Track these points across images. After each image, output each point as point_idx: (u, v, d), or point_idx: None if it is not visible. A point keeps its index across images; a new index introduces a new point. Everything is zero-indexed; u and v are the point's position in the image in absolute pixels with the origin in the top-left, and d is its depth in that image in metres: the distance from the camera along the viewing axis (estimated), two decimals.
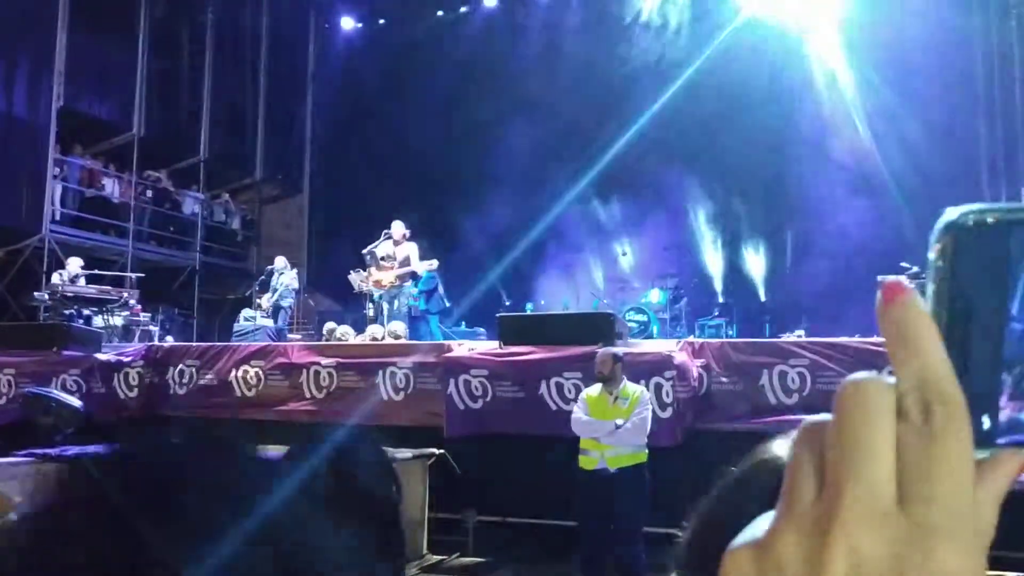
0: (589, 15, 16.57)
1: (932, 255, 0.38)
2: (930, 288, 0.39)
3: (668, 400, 7.77)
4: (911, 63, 13.22)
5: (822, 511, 0.36)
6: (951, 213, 0.38)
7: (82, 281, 12.74)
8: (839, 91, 14.41)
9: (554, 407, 8.19)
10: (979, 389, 0.37)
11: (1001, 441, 0.37)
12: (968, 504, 0.35)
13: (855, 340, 8.43)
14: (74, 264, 12.80)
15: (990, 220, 0.38)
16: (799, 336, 10.18)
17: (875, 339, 8.66)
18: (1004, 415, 0.38)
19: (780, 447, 1.14)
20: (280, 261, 13.89)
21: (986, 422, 0.37)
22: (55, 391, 9.11)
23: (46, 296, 12.44)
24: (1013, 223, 0.38)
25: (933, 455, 0.35)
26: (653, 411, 6.87)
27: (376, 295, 12.04)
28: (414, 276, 11.96)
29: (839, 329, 10.01)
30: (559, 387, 8.22)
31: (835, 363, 7.86)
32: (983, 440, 0.37)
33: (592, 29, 16.26)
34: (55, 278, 12.55)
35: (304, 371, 9.53)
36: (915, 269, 9.03)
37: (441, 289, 12.60)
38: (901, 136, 13.37)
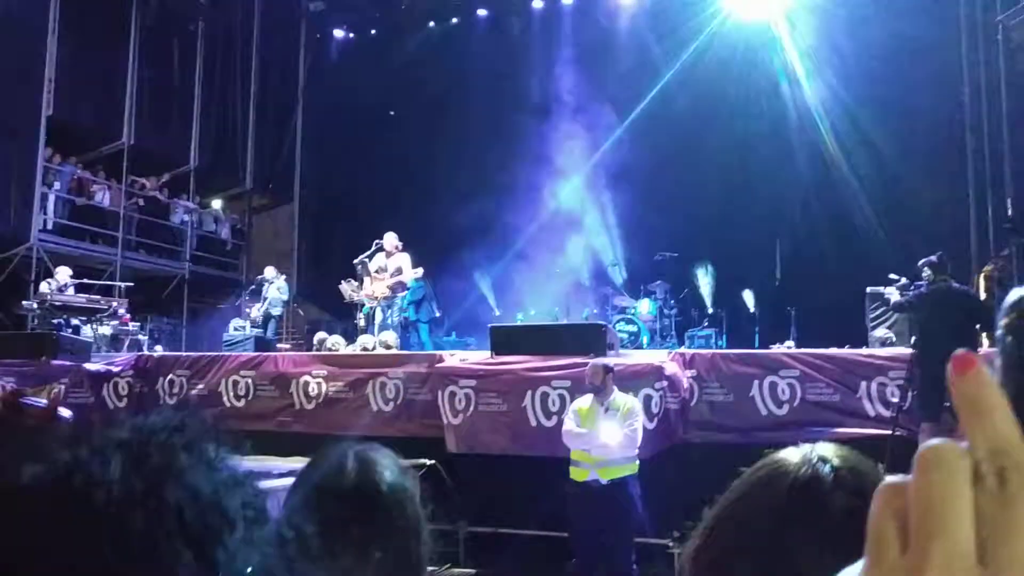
0: (580, 24, 16.63)
1: (1001, 330, 0.41)
2: (998, 361, 0.41)
3: (657, 411, 7.78)
4: (900, 74, 13.32)
5: (911, 565, 0.38)
6: (1019, 291, 0.41)
7: (71, 290, 12.68)
8: (831, 99, 14.51)
9: (534, 423, 8.19)
10: None
11: None
12: None
13: (844, 351, 8.48)
14: (63, 273, 12.74)
15: None
16: (789, 347, 10.22)
17: (863, 350, 8.72)
18: None
19: (791, 455, 1.15)
20: (270, 271, 13.88)
21: None
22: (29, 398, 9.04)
23: (34, 305, 12.38)
24: None
25: (1011, 520, 0.38)
26: (642, 421, 6.88)
27: (367, 307, 12.06)
28: (405, 286, 11.99)
29: (828, 340, 10.05)
30: (544, 398, 8.21)
31: (824, 374, 7.90)
32: None
33: (583, 38, 16.31)
34: (43, 287, 12.49)
35: (294, 381, 9.51)
36: (903, 280, 9.10)
37: (431, 298, 12.62)
38: (891, 146, 13.45)
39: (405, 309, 12.21)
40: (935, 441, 0.40)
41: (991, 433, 0.39)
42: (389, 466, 1.42)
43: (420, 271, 11.88)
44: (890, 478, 0.41)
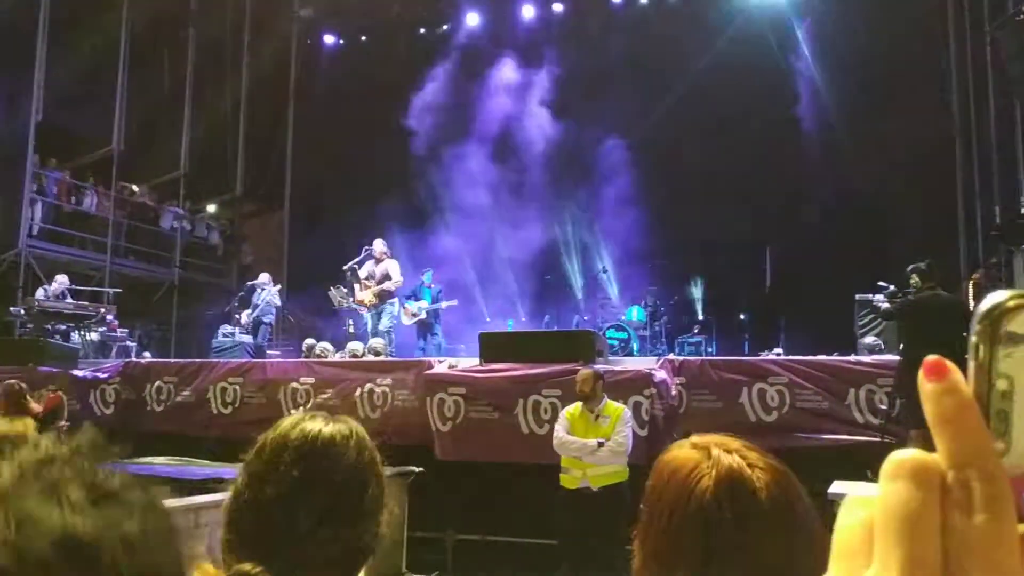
0: (571, 32, 16.66)
1: (974, 337, 0.40)
2: (971, 366, 0.40)
3: (647, 418, 7.78)
4: (889, 83, 13.39)
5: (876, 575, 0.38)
6: (992, 298, 0.40)
7: (68, 297, 12.62)
8: (820, 107, 14.57)
9: (526, 430, 8.18)
10: (1022, 462, 0.39)
11: None
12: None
13: (833, 358, 8.49)
14: (61, 280, 12.66)
15: None
16: (777, 354, 10.23)
17: (851, 358, 8.74)
18: None
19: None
20: (264, 277, 13.83)
21: None
22: None
23: (22, 311, 12.31)
24: None
25: (977, 530, 0.37)
26: (632, 428, 6.86)
27: (354, 315, 12.11)
28: (392, 294, 12.03)
29: (817, 347, 10.08)
30: (536, 406, 8.20)
31: (813, 381, 7.91)
32: None
33: (574, 45, 16.33)
34: (39, 293, 12.42)
35: (282, 388, 9.48)
36: (892, 288, 9.13)
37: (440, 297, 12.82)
38: (880, 153, 13.51)
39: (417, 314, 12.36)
40: (903, 452, 0.39)
41: (959, 442, 0.38)
42: (330, 423, 1.46)
43: (401, 280, 12.01)
44: (857, 489, 0.41)
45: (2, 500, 0.53)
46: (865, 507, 0.40)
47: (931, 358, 0.40)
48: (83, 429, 0.61)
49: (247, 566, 1.23)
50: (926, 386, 0.39)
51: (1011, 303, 0.40)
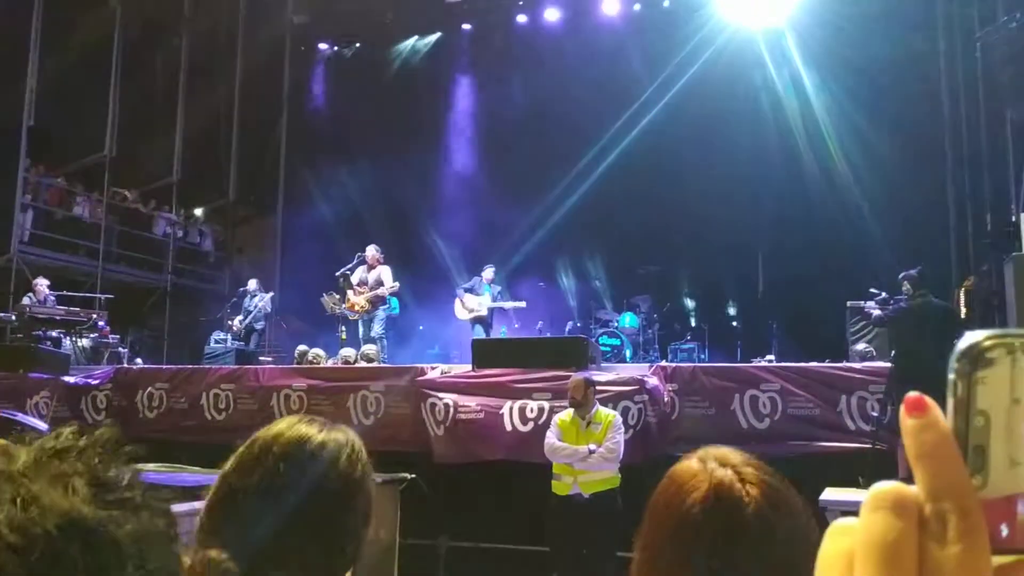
0: (562, 39, 16.69)
1: (951, 375, 0.41)
2: (950, 402, 0.41)
3: (634, 422, 7.78)
4: (879, 90, 13.45)
5: None
6: (970, 337, 0.41)
7: (51, 301, 12.55)
8: (810, 114, 14.63)
9: (509, 427, 8.18)
10: (998, 496, 0.40)
11: None
12: None
13: (825, 365, 8.51)
14: (41, 284, 12.60)
15: (1005, 343, 0.41)
16: (769, 361, 10.26)
17: (843, 364, 8.76)
18: None
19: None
20: (253, 283, 13.81)
21: (1004, 530, 0.40)
22: (20, 414, 8.96)
23: (12, 317, 12.26)
24: None
25: (952, 561, 0.38)
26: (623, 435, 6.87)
27: (345, 321, 12.08)
28: (385, 300, 12.00)
29: (809, 353, 10.10)
30: (523, 408, 8.20)
31: (804, 388, 7.93)
32: (1003, 547, 0.40)
33: (566, 52, 16.36)
34: (25, 299, 12.37)
35: (275, 394, 9.46)
36: (884, 295, 9.15)
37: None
38: (871, 161, 13.57)
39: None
40: (884, 484, 0.41)
41: (937, 477, 0.40)
42: (326, 430, 1.47)
43: (397, 285, 11.95)
44: (839, 520, 0.42)
45: (12, 481, 0.55)
46: (847, 536, 0.41)
47: (912, 395, 0.41)
48: (103, 428, 0.64)
49: (214, 552, 1.23)
50: (907, 422, 0.41)
51: (987, 343, 0.41)
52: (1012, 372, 0.41)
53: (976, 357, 0.41)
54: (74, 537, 0.53)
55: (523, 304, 12.73)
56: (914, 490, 0.40)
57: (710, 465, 1.21)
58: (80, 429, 0.62)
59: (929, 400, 0.41)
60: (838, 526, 0.42)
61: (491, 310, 12.59)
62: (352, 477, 1.41)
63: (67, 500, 0.55)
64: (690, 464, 1.24)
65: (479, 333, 12.32)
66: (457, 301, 12.68)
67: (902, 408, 0.41)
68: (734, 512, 1.15)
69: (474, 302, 12.51)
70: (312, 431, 1.44)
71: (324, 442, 1.42)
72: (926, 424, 0.40)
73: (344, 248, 13.08)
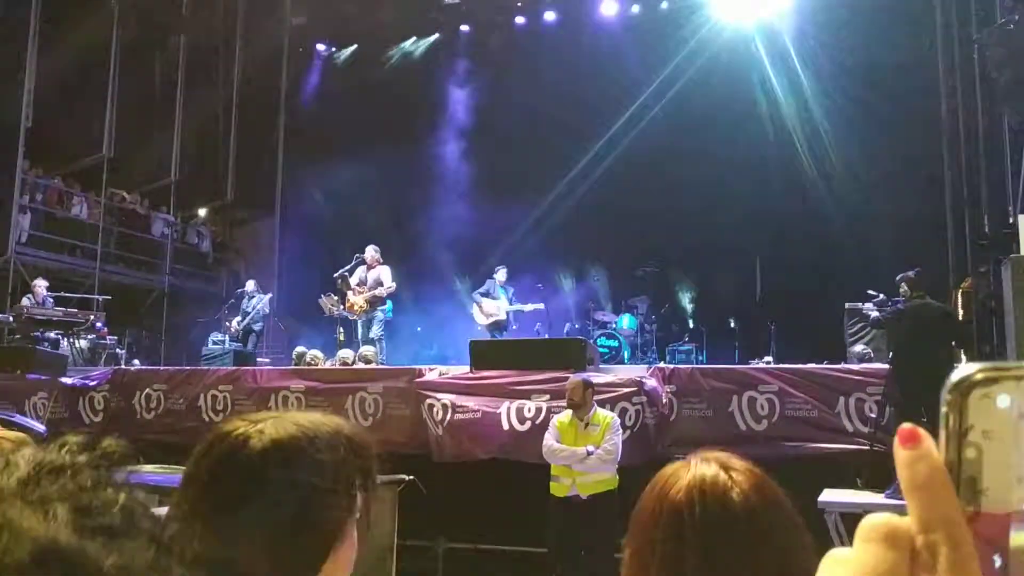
0: (561, 42, 16.69)
1: (944, 407, 0.42)
2: (942, 434, 0.42)
3: (632, 423, 7.78)
4: (876, 92, 13.46)
5: None
6: (962, 370, 0.42)
7: (49, 302, 12.55)
8: (808, 115, 14.64)
9: (506, 426, 8.18)
10: (999, 512, 0.41)
11: None
12: None
13: (822, 367, 8.51)
14: (39, 285, 12.59)
15: (996, 376, 0.42)
16: (767, 363, 10.26)
17: (841, 366, 8.77)
18: None
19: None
20: (251, 285, 13.80)
21: (997, 560, 0.40)
22: (18, 415, 8.96)
23: (10, 318, 12.25)
24: (1019, 379, 0.42)
25: None
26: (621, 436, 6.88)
27: (343, 322, 12.07)
28: (384, 300, 11.99)
29: (807, 355, 10.10)
30: (520, 408, 8.20)
31: (803, 390, 7.93)
32: None
33: (564, 55, 16.37)
34: (24, 301, 12.36)
35: (273, 396, 9.45)
36: (881, 296, 9.16)
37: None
38: (868, 162, 13.58)
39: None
40: (876, 516, 0.41)
41: (929, 509, 0.40)
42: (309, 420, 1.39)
43: (395, 285, 11.94)
44: (835, 550, 0.43)
45: None
46: (842, 566, 0.41)
47: (906, 426, 0.42)
48: (108, 440, 0.60)
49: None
50: (900, 453, 0.41)
51: (979, 376, 0.42)
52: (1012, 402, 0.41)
53: (968, 390, 0.41)
54: (50, 565, 0.52)
55: (541, 306, 12.53)
56: (906, 521, 0.41)
57: (694, 461, 1.24)
58: (85, 442, 0.58)
59: (922, 431, 0.41)
60: (833, 556, 0.42)
61: (509, 313, 12.44)
62: (320, 471, 1.29)
63: (45, 527, 0.51)
64: (675, 464, 1.26)
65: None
66: (475, 307, 12.45)
67: (896, 440, 0.42)
68: (721, 497, 1.17)
69: (492, 306, 12.32)
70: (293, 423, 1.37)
71: (294, 435, 1.36)
72: (919, 455, 0.41)
73: (342, 249, 13.07)
